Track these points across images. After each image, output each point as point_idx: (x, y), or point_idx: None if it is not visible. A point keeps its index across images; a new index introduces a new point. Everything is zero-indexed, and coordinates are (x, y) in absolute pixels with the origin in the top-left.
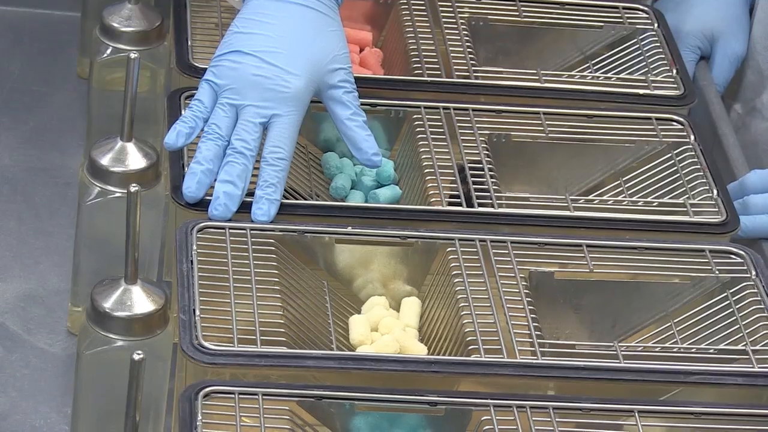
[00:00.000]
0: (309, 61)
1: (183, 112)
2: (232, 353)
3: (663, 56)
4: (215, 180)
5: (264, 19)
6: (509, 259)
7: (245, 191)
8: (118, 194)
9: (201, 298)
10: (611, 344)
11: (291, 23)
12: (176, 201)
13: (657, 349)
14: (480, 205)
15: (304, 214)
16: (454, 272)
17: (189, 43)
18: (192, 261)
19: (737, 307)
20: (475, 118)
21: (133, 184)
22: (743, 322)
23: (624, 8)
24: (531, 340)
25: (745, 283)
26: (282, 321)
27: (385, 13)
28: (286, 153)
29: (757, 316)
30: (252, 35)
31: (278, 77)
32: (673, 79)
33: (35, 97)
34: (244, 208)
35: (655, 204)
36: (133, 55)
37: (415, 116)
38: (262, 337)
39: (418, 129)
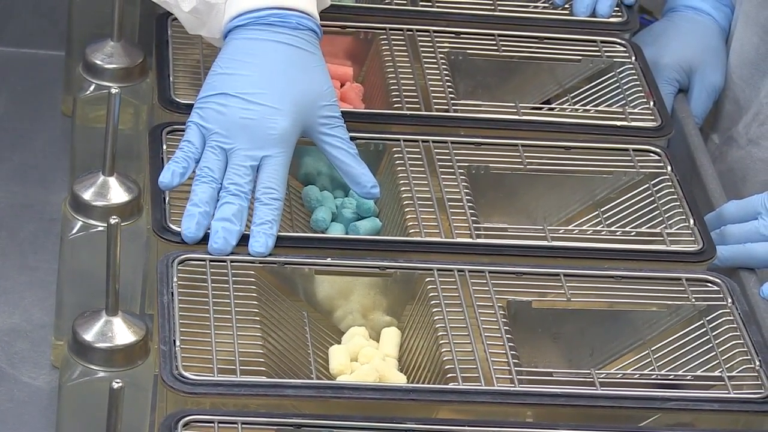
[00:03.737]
0: (295, 99)
1: (164, 146)
2: (212, 383)
3: (640, 88)
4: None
5: (247, 59)
6: (487, 288)
7: (243, 229)
8: (100, 228)
9: (181, 329)
10: (589, 372)
11: (274, 62)
12: (157, 234)
13: (634, 376)
14: (458, 235)
15: (285, 246)
16: (433, 302)
17: (171, 79)
18: (173, 292)
19: (713, 334)
20: (454, 151)
21: (113, 217)
22: (719, 349)
23: (602, 42)
24: (509, 368)
25: (721, 311)
26: (262, 351)
27: (366, 48)
28: (279, 193)
29: (733, 343)
30: (236, 76)
31: (265, 118)
32: (650, 111)
33: (20, 135)
34: (243, 241)
35: (632, 234)
36: (114, 90)
37: (394, 149)
38: (242, 367)
39: (398, 162)
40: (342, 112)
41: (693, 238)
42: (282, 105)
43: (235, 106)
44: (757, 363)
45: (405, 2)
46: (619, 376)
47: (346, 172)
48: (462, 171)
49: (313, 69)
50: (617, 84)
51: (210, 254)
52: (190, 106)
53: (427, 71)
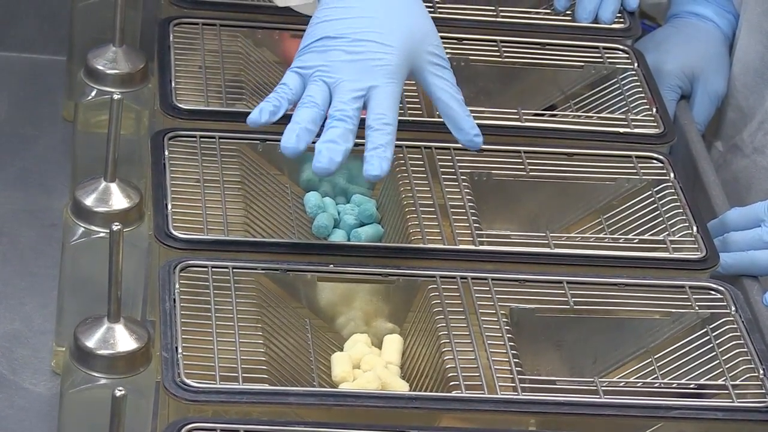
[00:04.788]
0: (403, 37)
1: (166, 152)
2: (214, 390)
3: (643, 95)
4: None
5: (347, 4)
6: (490, 296)
7: (350, 148)
8: (102, 234)
9: (183, 336)
10: (592, 380)
11: (376, 5)
12: (159, 240)
13: (638, 385)
14: (461, 242)
15: (287, 252)
16: (436, 309)
17: (173, 84)
18: (174, 299)
19: (717, 342)
20: (457, 157)
21: (115, 223)
22: (723, 358)
23: (604, 48)
24: (512, 376)
25: (724, 319)
26: (264, 358)
27: None
28: (390, 118)
29: (737, 351)
30: (337, 20)
31: (372, 52)
32: (653, 118)
33: (21, 140)
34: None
35: (635, 241)
36: (116, 96)
37: (397, 155)
38: (244, 375)
39: (400, 168)
40: None
41: (696, 246)
42: (390, 41)
43: (339, 46)
44: (761, 371)
45: None
46: (622, 384)
47: (449, 116)
48: (464, 177)
49: (417, 11)
50: (619, 90)
51: (313, 175)
52: (192, 112)
53: None
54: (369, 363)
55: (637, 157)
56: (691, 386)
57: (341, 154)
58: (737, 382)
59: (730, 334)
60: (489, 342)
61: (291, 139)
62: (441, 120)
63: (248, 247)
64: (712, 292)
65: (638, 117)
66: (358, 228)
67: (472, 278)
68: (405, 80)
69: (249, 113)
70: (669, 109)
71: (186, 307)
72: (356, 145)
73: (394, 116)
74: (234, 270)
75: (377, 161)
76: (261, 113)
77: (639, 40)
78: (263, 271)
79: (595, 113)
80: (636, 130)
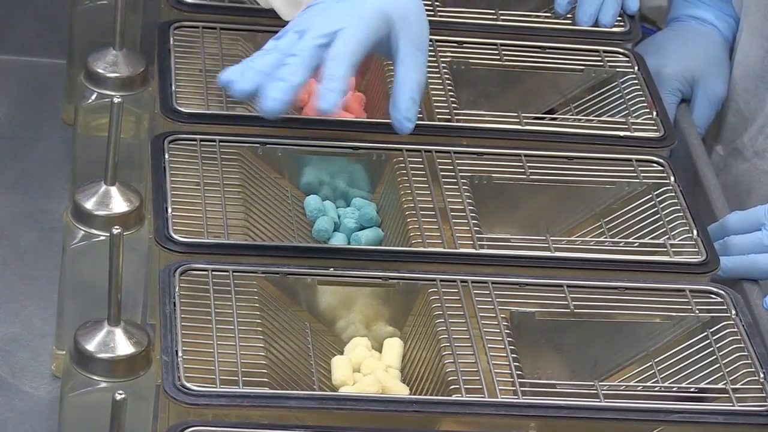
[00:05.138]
0: (385, 2)
1: (166, 155)
2: (214, 394)
3: (643, 98)
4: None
5: None
6: (490, 299)
7: (299, 86)
8: (102, 238)
9: (183, 340)
10: (592, 383)
11: None
12: (159, 244)
13: (638, 388)
14: (461, 246)
15: (287, 256)
16: (436, 313)
17: (173, 88)
18: (175, 303)
19: (717, 346)
20: (457, 161)
21: (116, 227)
22: (723, 361)
23: (604, 52)
24: (512, 379)
25: (725, 323)
26: (264, 362)
27: (368, 57)
28: (349, 53)
29: (737, 355)
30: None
31: (347, 7)
32: (653, 121)
33: (21, 143)
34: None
35: (635, 244)
36: (116, 99)
37: (397, 159)
38: (244, 378)
39: (400, 172)
40: (345, 121)
41: (696, 249)
42: (371, 2)
43: (319, 6)
44: (761, 375)
45: None
46: (622, 387)
47: (395, 93)
48: (464, 181)
49: None
50: (620, 94)
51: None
52: (192, 115)
53: (429, 81)
54: (369, 366)
55: (638, 160)
56: (692, 390)
57: (287, 91)
58: (738, 386)
59: (731, 338)
60: (489, 345)
61: (239, 79)
62: (441, 124)
63: (248, 250)
64: (713, 296)
65: (638, 120)
66: (359, 231)
67: (473, 281)
68: (377, 38)
69: (249, 117)
70: (669, 112)
71: (186, 311)
72: (353, 148)
73: (354, 54)
74: (234, 273)
75: (329, 95)
76: (231, 72)
77: (639, 44)
78: (263, 275)
79: (595, 116)
80: (636, 134)
